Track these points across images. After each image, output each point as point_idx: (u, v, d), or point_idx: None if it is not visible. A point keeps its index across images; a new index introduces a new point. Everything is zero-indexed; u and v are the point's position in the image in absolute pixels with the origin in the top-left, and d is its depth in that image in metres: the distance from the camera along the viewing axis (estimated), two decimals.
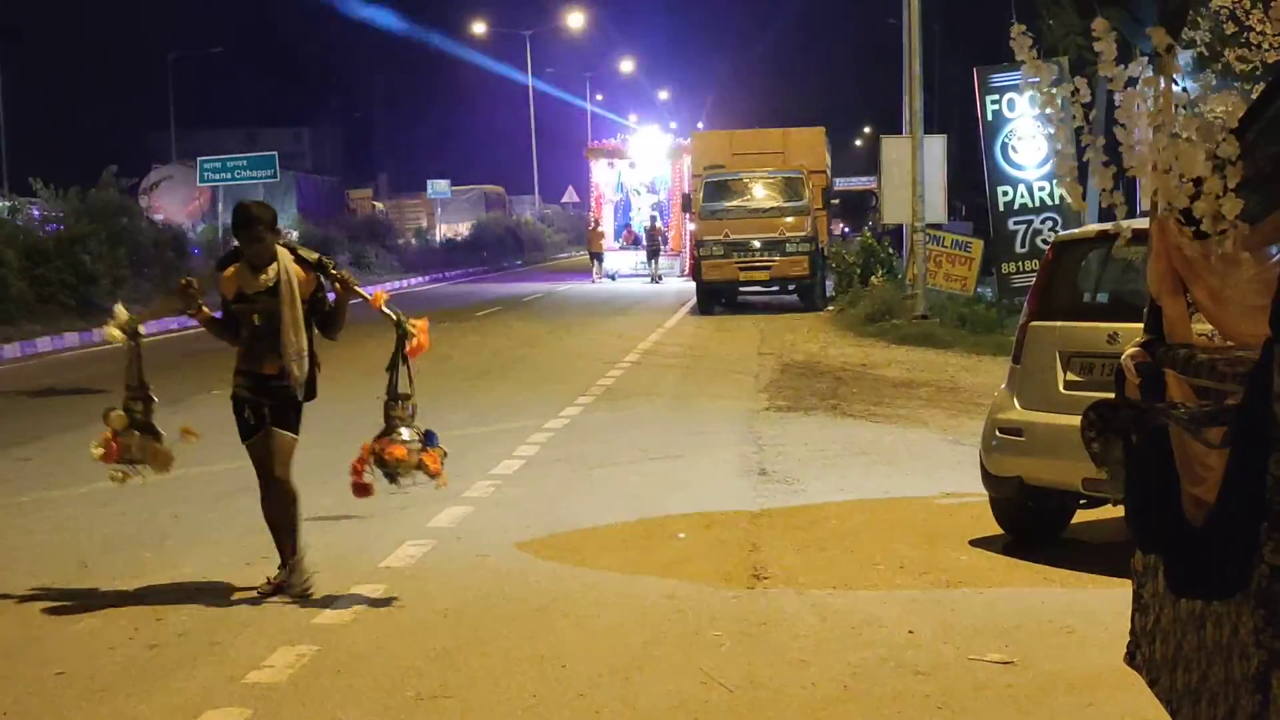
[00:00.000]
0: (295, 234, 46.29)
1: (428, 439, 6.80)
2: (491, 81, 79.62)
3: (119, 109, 68.63)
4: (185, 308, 7.04)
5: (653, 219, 41.65)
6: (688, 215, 34.83)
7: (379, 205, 61.99)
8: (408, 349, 7.03)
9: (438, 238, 60.15)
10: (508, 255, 58.12)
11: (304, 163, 70.78)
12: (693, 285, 34.57)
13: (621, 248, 43.18)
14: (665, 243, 41.65)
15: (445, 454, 6.83)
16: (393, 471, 6.72)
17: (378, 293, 7.20)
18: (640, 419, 13.07)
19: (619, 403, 14.24)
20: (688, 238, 39.81)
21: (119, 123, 65.53)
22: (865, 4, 73.95)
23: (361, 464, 6.82)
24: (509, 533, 8.27)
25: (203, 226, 41.96)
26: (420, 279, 43.60)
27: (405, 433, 6.79)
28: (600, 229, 42.32)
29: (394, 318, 7.01)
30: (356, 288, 7.15)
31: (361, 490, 6.83)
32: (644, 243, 41.54)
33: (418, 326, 7.03)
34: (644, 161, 43.72)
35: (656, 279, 39.37)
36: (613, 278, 41.15)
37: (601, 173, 43.87)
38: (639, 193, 44.69)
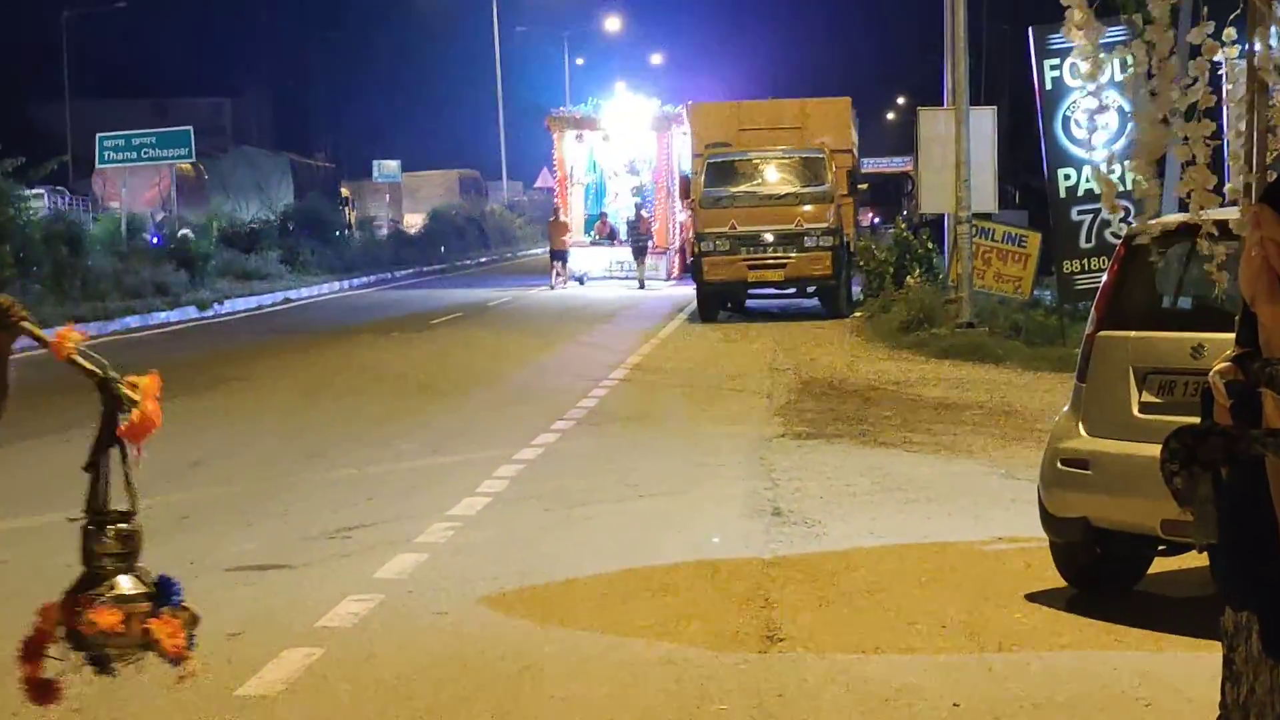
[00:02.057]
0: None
1: (163, 592, 4.41)
2: (457, 45, 79.69)
3: None
4: None
5: (638, 208, 39.76)
6: (685, 203, 34.63)
7: (344, 191, 62.71)
8: (121, 427, 4.49)
9: (401, 227, 60.58)
10: (470, 250, 58.17)
11: (224, 140, 70.76)
12: (682, 291, 34.49)
13: (593, 242, 41.01)
14: (652, 237, 39.85)
15: (196, 619, 4.35)
16: (98, 649, 4.34)
17: (64, 331, 4.57)
18: (630, 448, 13.06)
19: (604, 428, 14.24)
20: (677, 231, 39.40)
21: None
22: None
23: (42, 642, 4.39)
24: (472, 585, 8.26)
25: (162, 216, 42.29)
26: (363, 280, 43.58)
27: (124, 583, 4.38)
28: (564, 219, 40.06)
29: (95, 374, 4.44)
30: (27, 324, 4.46)
31: (42, 693, 4.35)
32: (624, 238, 39.66)
33: (140, 388, 4.48)
34: (621, 135, 41.43)
35: (641, 284, 37.70)
36: (581, 281, 39.23)
37: (569, 148, 41.68)
38: (615, 174, 42.75)
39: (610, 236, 40.88)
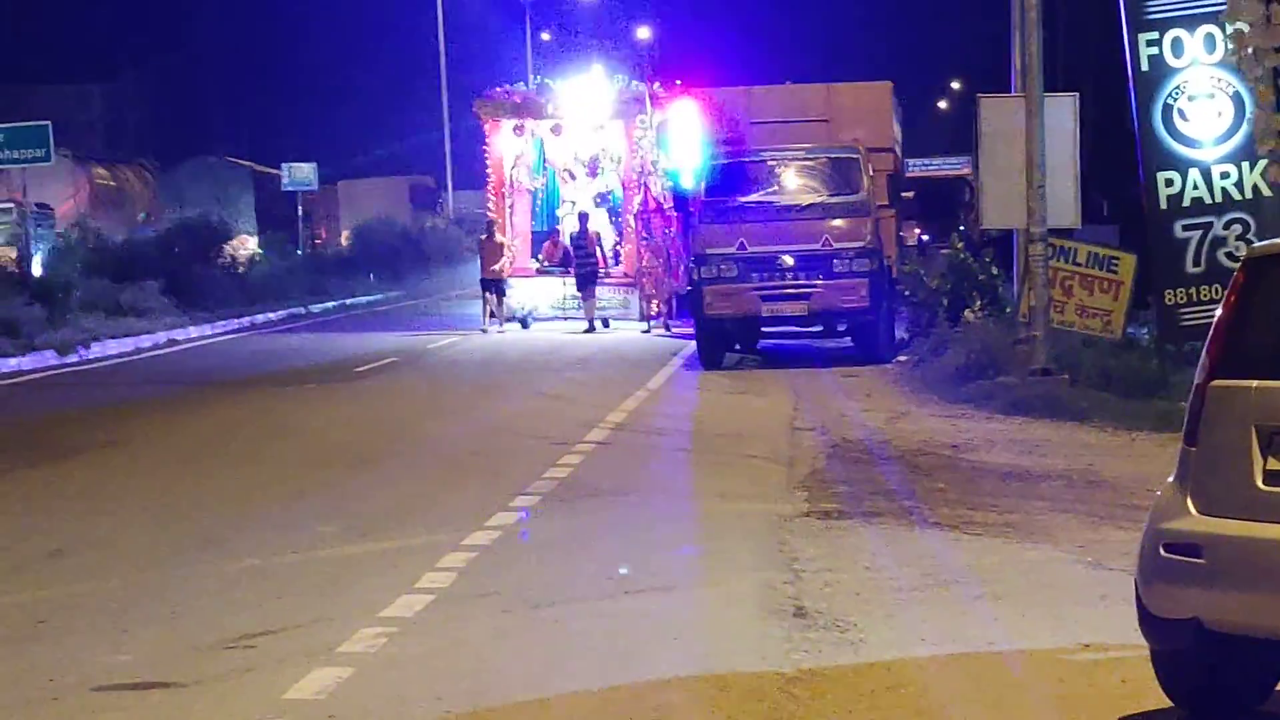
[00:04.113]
0: (252, 248, 46.91)
1: None
2: (399, 18, 79.71)
3: None
4: None
5: (583, 219, 37.94)
6: (677, 216, 34.43)
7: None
8: None
9: (320, 247, 61.67)
10: (408, 276, 58.30)
11: (95, 136, 70.86)
12: (655, 338, 34.25)
13: (541, 269, 39.13)
14: (615, 261, 38.34)
15: None
16: None
17: None
18: (612, 531, 13.04)
19: (579, 505, 14.22)
20: (658, 253, 37.82)
21: None
22: None
23: None
24: (410, 708, 8.24)
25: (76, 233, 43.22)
26: (270, 316, 43.55)
27: None
28: (498, 239, 37.93)
29: None
30: None
31: None
32: (572, 261, 37.61)
33: None
34: (578, 124, 39.78)
35: (591, 326, 36.50)
36: (525, 322, 37.84)
37: (506, 142, 39.88)
38: (571, 176, 40.78)
39: (564, 262, 38.55)
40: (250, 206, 64.10)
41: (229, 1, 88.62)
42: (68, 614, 10.48)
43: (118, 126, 78.79)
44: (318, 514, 13.92)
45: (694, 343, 28.86)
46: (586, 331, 36.00)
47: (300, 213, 62.64)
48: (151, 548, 12.67)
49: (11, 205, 47.27)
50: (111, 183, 60.34)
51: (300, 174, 63.12)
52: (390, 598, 10.58)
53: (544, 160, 40.96)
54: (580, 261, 36.87)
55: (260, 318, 42.96)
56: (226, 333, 39.30)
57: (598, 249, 37.35)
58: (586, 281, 36.68)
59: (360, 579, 11.27)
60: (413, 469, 16.78)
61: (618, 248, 39.50)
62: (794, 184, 28.46)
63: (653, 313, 36.90)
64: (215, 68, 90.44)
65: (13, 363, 29.28)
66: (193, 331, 37.78)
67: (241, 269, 50.97)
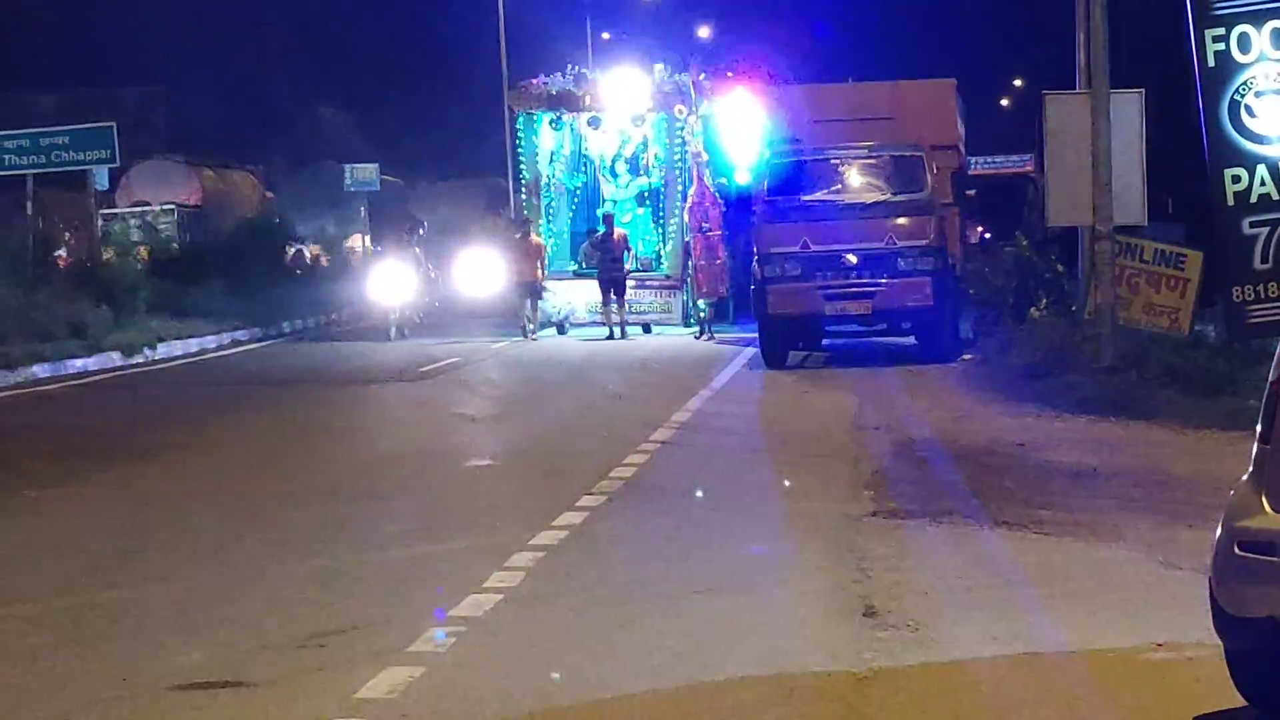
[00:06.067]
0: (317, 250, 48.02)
1: None
2: (461, 16, 79.93)
3: None
4: None
5: (608, 220, 35.68)
6: (724, 216, 34.15)
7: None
8: None
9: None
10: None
11: (158, 137, 71.20)
12: (703, 345, 33.89)
13: (579, 272, 37.15)
14: (657, 263, 36.53)
15: None
16: None
17: None
18: (679, 531, 13.05)
19: (645, 505, 14.23)
20: (714, 250, 36.11)
21: None
22: None
23: None
24: (480, 707, 8.27)
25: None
26: (334, 317, 43.70)
27: None
28: (533, 237, 36.13)
29: None
30: None
31: None
32: (596, 260, 35.56)
33: None
34: (617, 117, 37.57)
35: (617, 330, 34.80)
36: (562, 328, 36.42)
37: (542, 136, 38.08)
38: (613, 174, 38.27)
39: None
40: (363, 209, 66.61)
41: (292, 12, 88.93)
42: (140, 614, 10.55)
43: (181, 127, 79.06)
44: (386, 514, 13.98)
45: (754, 346, 28.86)
46: (609, 339, 34.54)
47: (364, 214, 63.61)
48: (222, 548, 12.74)
49: (174, 206, 48.79)
50: (221, 185, 61.37)
51: (363, 175, 63.42)
52: (459, 597, 10.61)
53: (584, 156, 38.80)
54: (605, 266, 34.92)
55: (324, 319, 43.12)
56: (291, 334, 39.45)
57: (625, 252, 35.16)
58: (611, 287, 34.89)
59: (429, 578, 11.30)
60: (479, 469, 16.83)
61: (659, 249, 37.77)
62: (857, 182, 28.37)
63: (703, 316, 34.63)
64: (274, 68, 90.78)
65: (79, 364, 29.45)
66: (257, 332, 37.94)
67: (302, 271, 51.47)
